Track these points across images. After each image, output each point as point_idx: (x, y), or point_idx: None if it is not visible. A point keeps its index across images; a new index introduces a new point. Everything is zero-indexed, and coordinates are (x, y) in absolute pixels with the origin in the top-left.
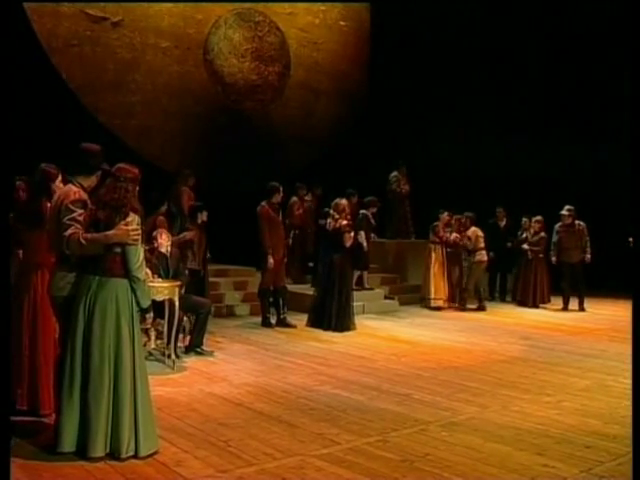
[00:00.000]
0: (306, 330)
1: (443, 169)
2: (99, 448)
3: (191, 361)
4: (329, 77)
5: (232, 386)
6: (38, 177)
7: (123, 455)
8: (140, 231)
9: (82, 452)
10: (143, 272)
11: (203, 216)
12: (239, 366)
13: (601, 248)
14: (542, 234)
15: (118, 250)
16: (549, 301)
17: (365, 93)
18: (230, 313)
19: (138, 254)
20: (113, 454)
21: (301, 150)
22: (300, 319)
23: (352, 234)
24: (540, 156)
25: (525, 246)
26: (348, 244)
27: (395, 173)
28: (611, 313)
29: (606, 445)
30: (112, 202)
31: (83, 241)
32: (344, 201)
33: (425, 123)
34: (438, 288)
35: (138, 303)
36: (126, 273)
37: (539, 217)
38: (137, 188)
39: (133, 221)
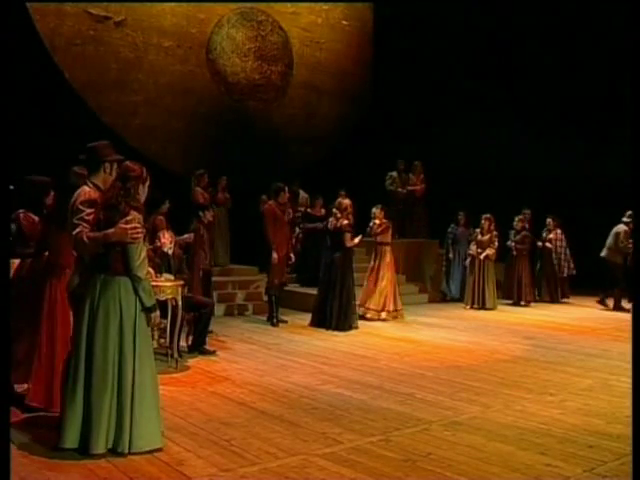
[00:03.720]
0: (309, 329)
1: (446, 168)
2: (100, 445)
3: (194, 360)
4: (332, 76)
5: (235, 385)
6: (72, 179)
7: (126, 451)
8: (141, 229)
9: (84, 449)
10: (144, 271)
11: (209, 215)
12: (242, 365)
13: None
14: (525, 232)
15: (118, 248)
16: (532, 299)
17: (368, 93)
18: (232, 312)
19: (139, 252)
20: (115, 450)
21: (303, 150)
22: (302, 319)
23: (354, 235)
24: (543, 155)
25: (510, 244)
26: (349, 244)
27: (392, 173)
28: (614, 313)
29: (609, 445)
30: (107, 202)
31: (86, 240)
32: (347, 201)
33: (428, 123)
34: (369, 296)
35: (142, 302)
36: (127, 271)
37: (522, 216)
38: (141, 185)
39: (133, 220)
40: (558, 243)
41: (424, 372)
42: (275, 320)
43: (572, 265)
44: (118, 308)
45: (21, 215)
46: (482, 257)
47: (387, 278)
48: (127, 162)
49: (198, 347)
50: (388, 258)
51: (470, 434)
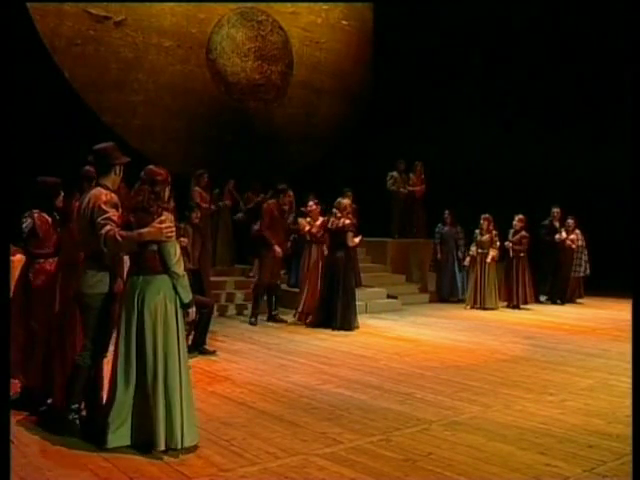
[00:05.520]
0: (308, 329)
1: (446, 168)
2: (162, 441)
3: (194, 360)
4: (331, 76)
5: (235, 385)
6: (87, 180)
7: (179, 446)
8: (174, 228)
9: (145, 447)
10: (181, 267)
11: (197, 215)
12: (242, 365)
13: (604, 248)
14: (523, 232)
15: (154, 248)
16: (532, 301)
17: (367, 92)
18: (233, 312)
19: (174, 250)
20: (169, 447)
21: (303, 149)
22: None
23: (357, 234)
24: (544, 155)
25: (508, 244)
26: (351, 244)
27: (392, 173)
28: (614, 312)
29: (609, 444)
30: (139, 205)
31: (119, 238)
32: (346, 200)
33: (428, 122)
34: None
35: (180, 298)
36: (165, 270)
37: (521, 216)
38: (167, 188)
39: (167, 219)
40: (579, 243)
41: (424, 372)
42: (254, 319)
43: (588, 267)
44: (163, 305)
45: (35, 215)
46: (489, 260)
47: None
48: (151, 167)
49: (198, 347)
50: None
51: (470, 434)
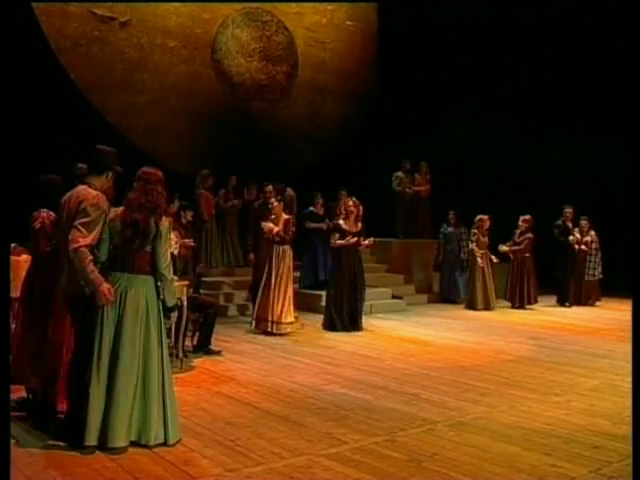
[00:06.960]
0: (313, 330)
1: (450, 168)
2: (122, 439)
3: (199, 361)
4: (336, 77)
5: (240, 385)
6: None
7: (152, 443)
8: (113, 299)
9: (104, 443)
10: (170, 271)
11: (187, 215)
12: (246, 365)
13: (607, 248)
14: (529, 234)
15: (148, 249)
16: (536, 302)
17: (372, 93)
18: (238, 313)
19: (167, 254)
20: (140, 443)
21: (308, 149)
22: (306, 319)
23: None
24: (546, 156)
25: (504, 247)
26: (332, 244)
27: (398, 173)
28: (619, 313)
29: (614, 445)
30: (148, 204)
31: (85, 265)
32: (347, 200)
33: (433, 122)
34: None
35: (164, 301)
36: (153, 271)
37: (527, 216)
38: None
39: (109, 288)
40: (594, 245)
41: (429, 372)
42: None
43: (601, 269)
44: (144, 304)
45: (45, 214)
46: (495, 260)
47: (290, 282)
48: (148, 168)
49: (203, 347)
50: (288, 260)
51: (475, 434)
